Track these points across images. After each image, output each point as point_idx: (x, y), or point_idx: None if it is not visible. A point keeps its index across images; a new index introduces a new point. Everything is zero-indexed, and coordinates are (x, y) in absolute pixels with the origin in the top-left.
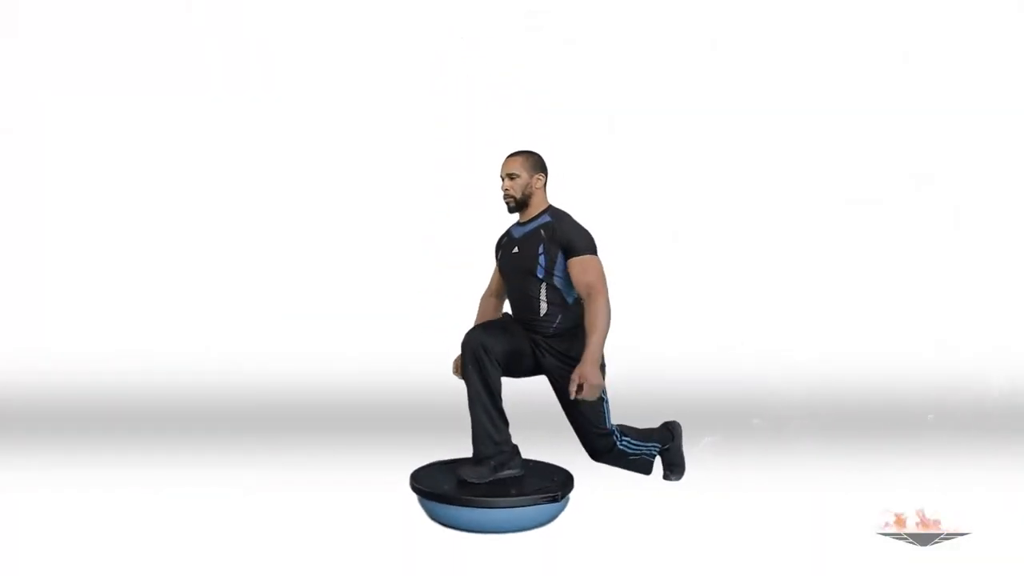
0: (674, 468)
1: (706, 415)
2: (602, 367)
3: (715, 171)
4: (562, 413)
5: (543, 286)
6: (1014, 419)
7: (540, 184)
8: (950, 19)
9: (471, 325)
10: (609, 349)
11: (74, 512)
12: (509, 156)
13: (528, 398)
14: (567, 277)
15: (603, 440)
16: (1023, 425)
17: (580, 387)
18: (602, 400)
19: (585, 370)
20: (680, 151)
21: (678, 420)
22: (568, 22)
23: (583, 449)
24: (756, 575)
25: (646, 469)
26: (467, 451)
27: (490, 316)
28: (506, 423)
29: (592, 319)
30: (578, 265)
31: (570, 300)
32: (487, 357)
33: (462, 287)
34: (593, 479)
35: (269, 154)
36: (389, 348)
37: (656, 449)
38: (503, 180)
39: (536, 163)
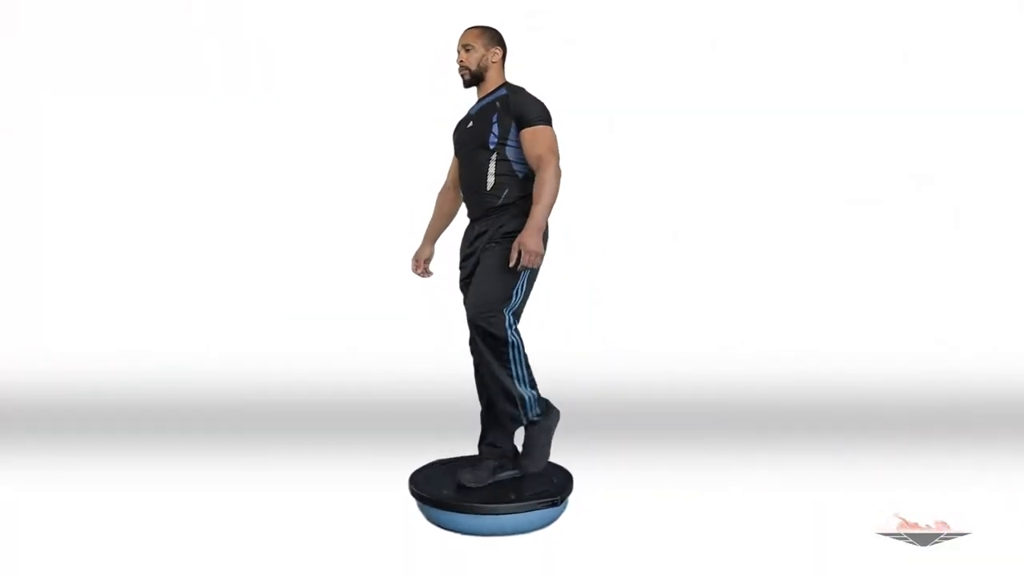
0: (534, 452)
1: (705, 415)
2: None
3: (715, 171)
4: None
5: (493, 157)
6: (1014, 419)
7: (497, 58)
8: (950, 19)
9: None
10: (609, 350)
11: (74, 512)
12: (466, 29)
13: None
14: (520, 148)
15: (492, 318)
16: (1023, 425)
17: (520, 257)
18: (518, 277)
19: (524, 237)
20: (680, 151)
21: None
22: (568, 22)
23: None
24: (756, 575)
25: (512, 417)
26: (466, 449)
27: (447, 210)
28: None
29: (538, 189)
30: (529, 135)
31: (520, 173)
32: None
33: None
34: (593, 479)
35: (269, 154)
36: (389, 348)
37: (534, 410)
38: (458, 52)
39: (493, 37)
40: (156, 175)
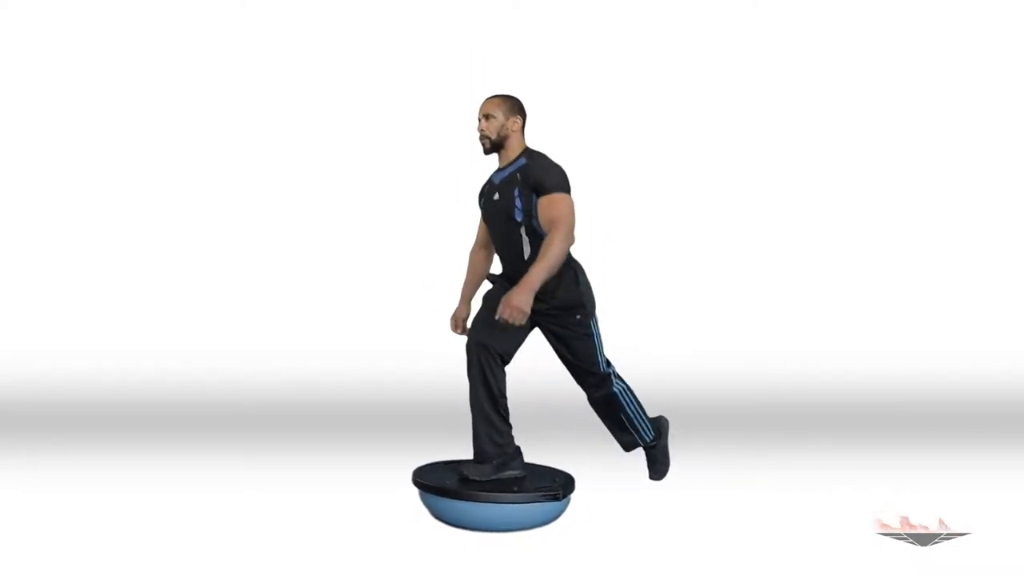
0: (657, 466)
1: (706, 415)
2: (583, 307)
3: (714, 171)
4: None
5: (523, 229)
6: (1014, 419)
7: (517, 127)
8: (950, 19)
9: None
10: (610, 349)
11: (77, 514)
12: (487, 98)
13: (529, 400)
14: None
15: (596, 380)
16: (1023, 425)
17: (504, 310)
18: (590, 338)
19: (514, 294)
20: (680, 150)
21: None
22: (567, 21)
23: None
24: (756, 575)
25: (628, 444)
26: (469, 452)
27: (480, 269)
28: (509, 425)
29: (544, 248)
30: (545, 202)
31: None
32: (490, 357)
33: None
34: (594, 480)
35: (271, 156)
36: (390, 347)
37: (649, 434)
38: (479, 121)
39: (513, 105)
40: (156, 176)
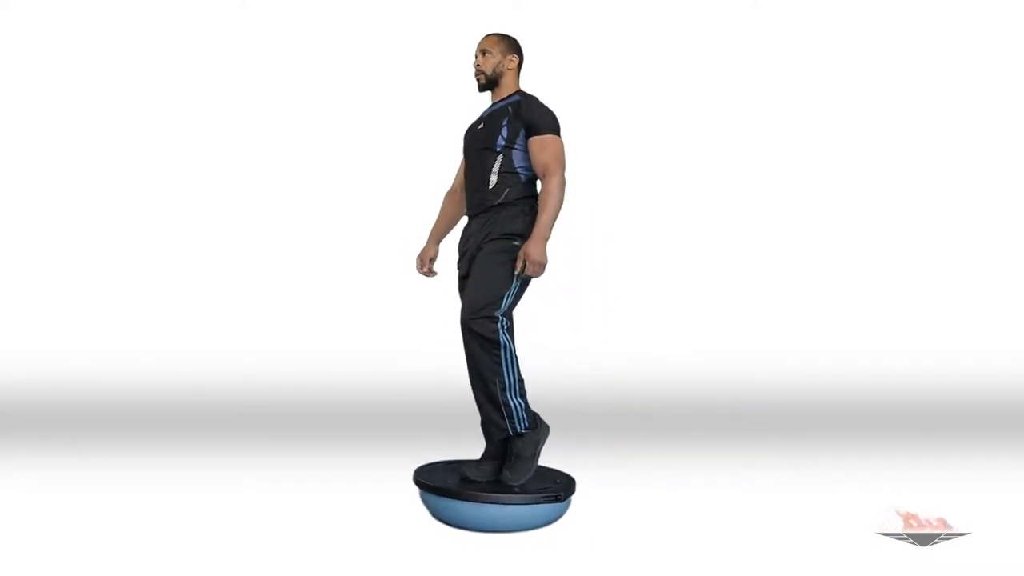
0: (513, 466)
1: (707, 415)
2: (523, 237)
3: (714, 170)
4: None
5: (499, 158)
6: (1014, 419)
7: (513, 65)
8: (950, 18)
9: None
10: (611, 350)
11: (77, 514)
12: (485, 35)
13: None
14: (526, 153)
15: (486, 319)
16: (1023, 425)
17: (525, 265)
18: (511, 280)
19: (529, 247)
20: (679, 150)
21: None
22: (567, 21)
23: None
24: (756, 575)
25: (496, 430)
26: (471, 453)
27: (452, 212)
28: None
29: (543, 199)
30: (537, 143)
31: (523, 176)
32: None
33: None
34: (594, 481)
35: (269, 154)
36: (391, 347)
37: (522, 421)
38: (476, 56)
39: (511, 44)
40: (156, 175)
